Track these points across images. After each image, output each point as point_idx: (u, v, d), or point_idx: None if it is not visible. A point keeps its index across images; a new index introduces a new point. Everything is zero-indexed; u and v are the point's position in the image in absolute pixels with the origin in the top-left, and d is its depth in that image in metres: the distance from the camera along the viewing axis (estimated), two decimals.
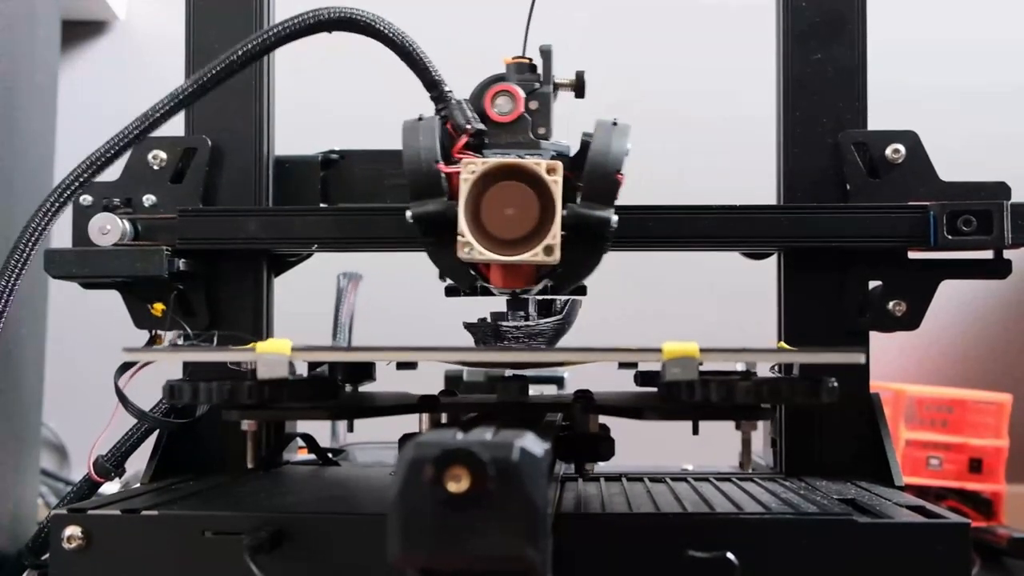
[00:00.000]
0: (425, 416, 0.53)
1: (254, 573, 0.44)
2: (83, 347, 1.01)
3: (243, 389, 0.46)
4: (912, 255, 0.63)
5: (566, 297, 0.60)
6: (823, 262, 0.63)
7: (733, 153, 1.12)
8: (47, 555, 0.50)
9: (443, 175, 0.53)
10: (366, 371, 0.63)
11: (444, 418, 0.53)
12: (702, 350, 0.45)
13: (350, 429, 0.61)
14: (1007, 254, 0.62)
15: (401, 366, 0.63)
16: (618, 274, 0.55)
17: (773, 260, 0.66)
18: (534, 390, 0.62)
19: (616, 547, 0.47)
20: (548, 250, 0.52)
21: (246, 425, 0.50)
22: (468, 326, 0.61)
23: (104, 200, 0.64)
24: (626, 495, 0.55)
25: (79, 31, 1.29)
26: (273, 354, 0.46)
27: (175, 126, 0.63)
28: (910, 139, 0.63)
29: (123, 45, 1.32)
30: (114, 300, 0.65)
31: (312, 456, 0.71)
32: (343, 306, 0.74)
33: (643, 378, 0.57)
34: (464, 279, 0.55)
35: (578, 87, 0.59)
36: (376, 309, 0.80)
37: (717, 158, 1.19)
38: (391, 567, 0.35)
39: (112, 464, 0.61)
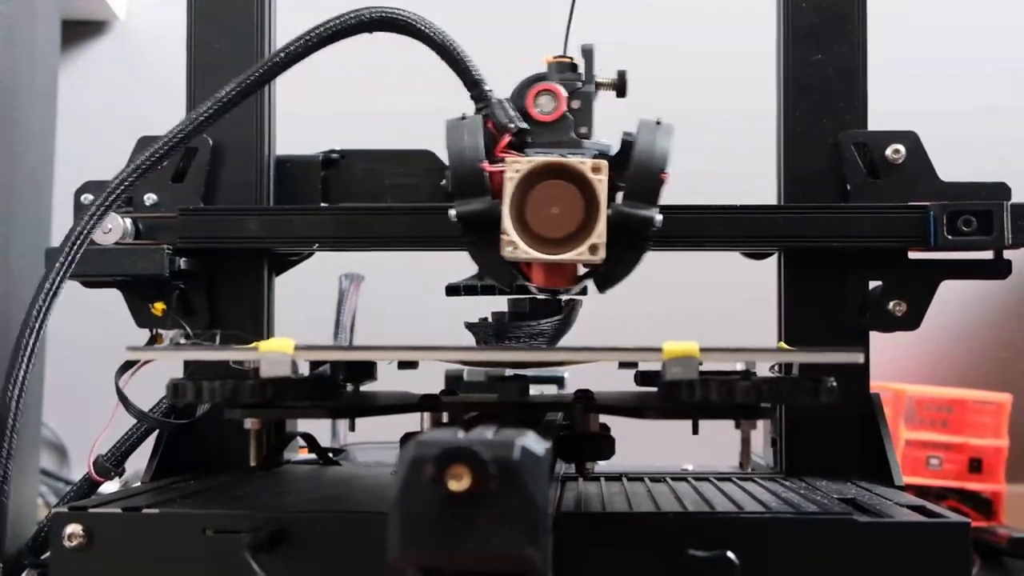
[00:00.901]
0: (426, 415, 0.53)
1: (254, 572, 0.44)
2: (83, 347, 1.01)
3: (246, 388, 0.46)
4: (912, 255, 0.63)
5: (566, 297, 0.60)
6: (823, 262, 0.63)
7: (733, 153, 1.12)
8: (47, 554, 0.50)
9: (486, 174, 0.53)
10: (367, 370, 0.63)
11: (445, 417, 0.53)
12: (702, 350, 0.45)
13: (352, 428, 0.61)
14: (1007, 254, 0.62)
15: (402, 365, 0.63)
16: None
17: (773, 260, 0.66)
18: (534, 390, 0.62)
19: (616, 547, 0.47)
20: (593, 249, 0.52)
21: (249, 424, 0.50)
22: (469, 326, 0.61)
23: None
24: (626, 494, 0.55)
25: (79, 31, 1.29)
26: (276, 353, 0.46)
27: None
28: (910, 139, 0.63)
29: (123, 45, 1.32)
30: (114, 299, 0.65)
31: (313, 455, 0.71)
32: (345, 307, 0.74)
33: (643, 378, 0.57)
34: (506, 278, 0.55)
35: (619, 86, 0.58)
36: (376, 309, 0.80)
37: (717, 158, 1.19)
38: (391, 566, 0.35)
39: (112, 464, 0.61)
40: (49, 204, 0.83)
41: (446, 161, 0.67)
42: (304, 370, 0.57)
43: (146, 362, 0.56)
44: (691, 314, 1.17)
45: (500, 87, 0.57)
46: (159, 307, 0.64)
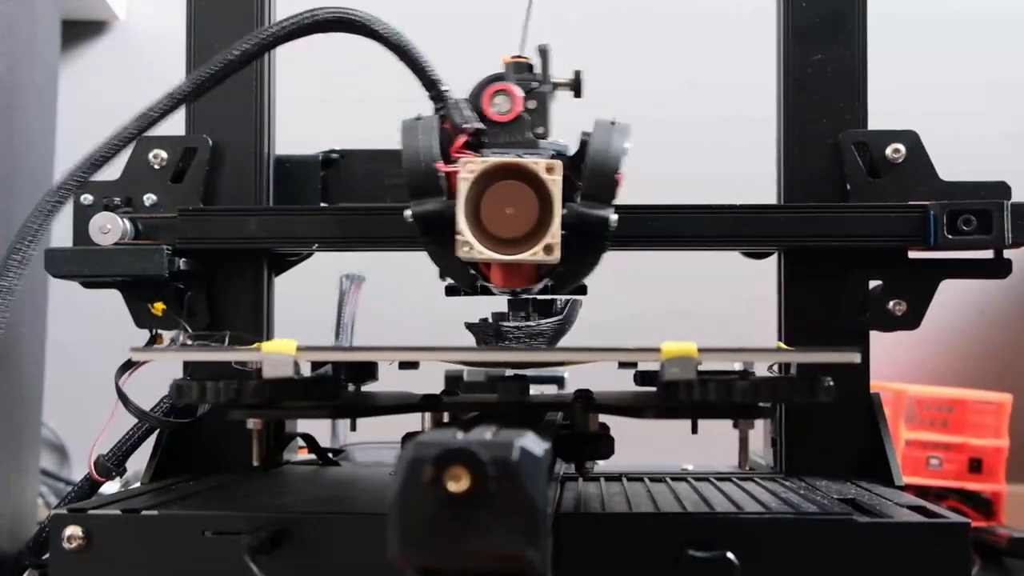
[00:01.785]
0: (427, 415, 0.53)
1: (254, 573, 0.44)
2: (83, 347, 1.01)
3: (249, 388, 0.46)
4: (912, 254, 0.63)
5: (566, 297, 0.60)
6: (823, 261, 0.63)
7: (733, 153, 1.12)
8: (47, 555, 0.50)
9: (441, 174, 0.53)
10: (369, 371, 0.63)
11: (446, 417, 0.53)
12: (700, 350, 0.45)
13: (353, 428, 0.61)
14: (1007, 254, 0.62)
15: (403, 366, 0.63)
16: (618, 274, 0.55)
17: (773, 260, 0.66)
18: (534, 390, 0.62)
19: (616, 547, 0.47)
20: (548, 249, 0.52)
21: (252, 424, 0.50)
22: (469, 326, 0.61)
23: (104, 199, 0.64)
24: (626, 495, 0.55)
25: (79, 31, 1.29)
26: (278, 354, 0.46)
27: (176, 125, 0.63)
28: (910, 139, 0.63)
29: (123, 45, 1.32)
30: (114, 299, 0.65)
31: (312, 456, 0.71)
32: (345, 307, 0.74)
33: (642, 378, 0.57)
34: (464, 278, 0.55)
35: (576, 86, 0.59)
36: (377, 309, 0.80)
37: (717, 158, 1.19)
38: (391, 567, 0.35)
39: (113, 463, 0.61)
40: None
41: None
42: (306, 371, 0.57)
43: (145, 362, 0.56)
44: (691, 314, 1.17)
45: (461, 88, 0.58)
46: (159, 307, 0.64)
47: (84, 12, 1.27)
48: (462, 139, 0.55)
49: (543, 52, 0.57)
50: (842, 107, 0.65)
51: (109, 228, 0.62)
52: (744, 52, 0.97)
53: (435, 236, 0.54)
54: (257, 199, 0.66)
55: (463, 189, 0.52)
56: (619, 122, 0.54)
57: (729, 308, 1.15)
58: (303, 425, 0.71)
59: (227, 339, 0.63)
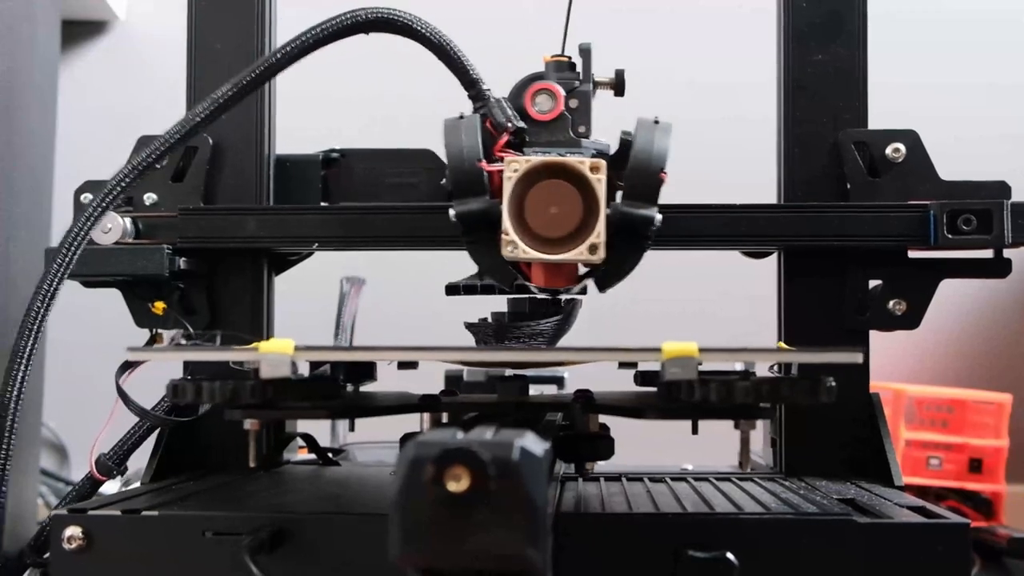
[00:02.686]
0: (426, 415, 0.53)
1: (254, 573, 0.44)
2: (83, 347, 1.01)
3: (246, 388, 0.45)
4: (912, 254, 0.63)
5: (566, 297, 0.60)
6: (823, 261, 0.63)
7: (733, 152, 1.13)
8: (48, 554, 0.50)
9: (485, 173, 0.53)
10: (367, 371, 0.63)
11: (445, 417, 0.53)
12: (701, 350, 0.45)
13: (351, 428, 0.61)
14: (1007, 253, 0.62)
15: (402, 366, 0.63)
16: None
17: (773, 259, 0.66)
18: (534, 390, 0.62)
19: (616, 547, 0.47)
20: (593, 248, 0.52)
21: (249, 424, 0.50)
22: (469, 326, 0.61)
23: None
24: (626, 495, 0.55)
25: (79, 31, 1.29)
26: (276, 354, 0.46)
27: None
28: (910, 138, 0.63)
29: (123, 45, 1.32)
30: (114, 299, 0.65)
31: (312, 456, 0.71)
32: (345, 309, 0.74)
33: (643, 378, 0.57)
34: (505, 278, 0.55)
35: (617, 85, 0.58)
36: (376, 309, 0.80)
37: (717, 157, 1.19)
38: (391, 567, 0.35)
39: (114, 462, 0.61)
40: (49, 204, 0.84)
41: (446, 160, 0.68)
42: (305, 371, 0.57)
43: (144, 361, 0.56)
44: (691, 314, 1.17)
45: (497, 88, 0.57)
46: (159, 306, 0.64)
47: (84, 12, 1.27)
48: (504, 138, 0.54)
49: (584, 51, 0.57)
50: (842, 107, 0.65)
51: (110, 227, 0.62)
52: (744, 52, 0.97)
53: (478, 236, 0.54)
54: (257, 198, 0.66)
55: (508, 188, 0.52)
56: (662, 121, 0.54)
57: (730, 308, 1.15)
58: (303, 425, 0.71)
59: (219, 338, 0.63)
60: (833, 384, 0.45)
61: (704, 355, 0.45)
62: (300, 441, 0.71)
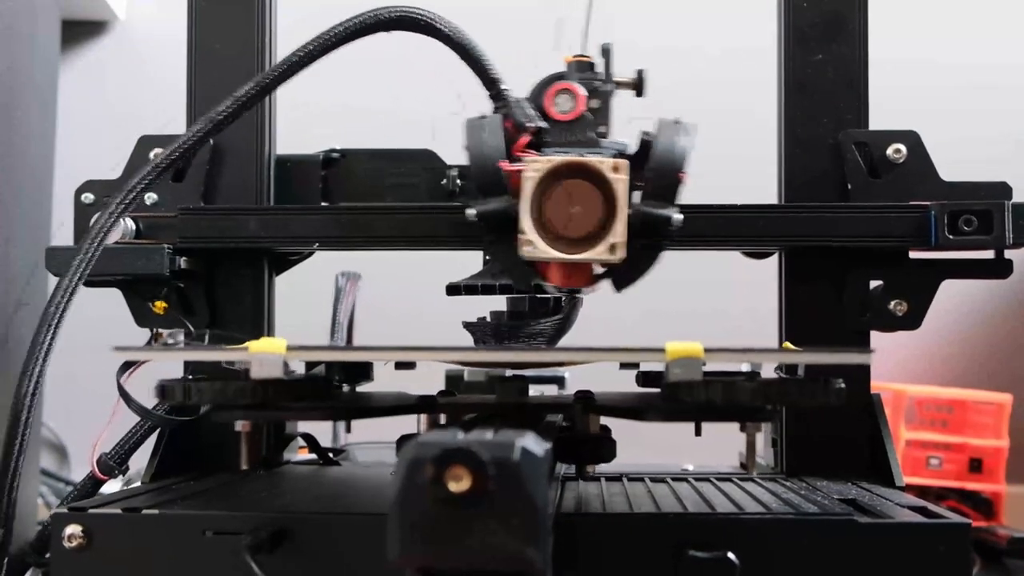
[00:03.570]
0: (423, 417, 0.53)
1: (254, 573, 0.44)
2: (83, 347, 1.01)
3: (237, 389, 0.45)
4: (913, 255, 0.63)
5: (567, 296, 0.60)
6: (824, 261, 0.63)
7: (733, 152, 1.12)
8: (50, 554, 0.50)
9: (505, 173, 0.53)
10: (364, 371, 0.63)
11: (442, 419, 0.53)
12: (706, 350, 0.44)
13: (348, 430, 0.61)
14: (1008, 254, 0.62)
15: (399, 366, 0.63)
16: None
17: (774, 259, 0.66)
18: (535, 390, 0.62)
19: (616, 547, 0.47)
20: (613, 249, 0.52)
21: (240, 426, 0.49)
22: (467, 325, 0.61)
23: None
24: (627, 495, 0.55)
25: (79, 31, 1.29)
26: (267, 353, 0.45)
27: (177, 125, 0.63)
28: (911, 139, 0.63)
29: (123, 45, 1.32)
30: (114, 299, 0.65)
31: (313, 456, 0.71)
32: (341, 305, 0.74)
33: (645, 378, 0.57)
34: (524, 278, 0.55)
35: (638, 86, 0.58)
36: (376, 308, 0.80)
37: (717, 157, 1.19)
38: (391, 567, 0.35)
39: (116, 462, 0.61)
40: (49, 204, 0.83)
41: (448, 161, 0.68)
42: (301, 370, 0.57)
43: (144, 361, 0.56)
44: (690, 314, 1.17)
45: (515, 88, 0.57)
46: (160, 306, 0.64)
47: (84, 12, 1.27)
48: (525, 138, 0.54)
49: (605, 51, 0.57)
50: (842, 107, 0.65)
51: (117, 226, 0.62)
52: (744, 51, 0.97)
53: (497, 235, 0.54)
54: (258, 198, 0.66)
55: (528, 188, 0.52)
56: (683, 121, 0.54)
57: (729, 308, 1.15)
58: (304, 425, 0.71)
59: (207, 338, 0.63)
60: (842, 386, 0.44)
61: (709, 356, 0.44)
62: (300, 441, 0.71)
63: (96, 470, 0.61)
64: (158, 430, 0.63)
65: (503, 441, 0.35)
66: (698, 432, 0.51)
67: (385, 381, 0.64)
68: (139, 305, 0.65)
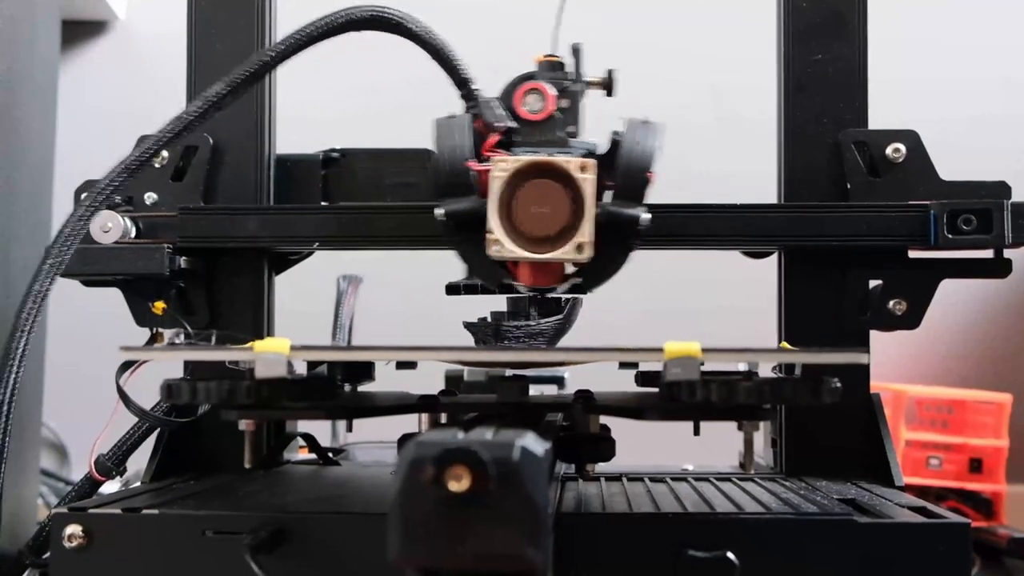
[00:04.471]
0: (424, 416, 0.53)
1: (254, 573, 0.44)
2: (83, 347, 1.01)
3: (242, 389, 0.45)
4: (912, 254, 0.63)
5: (567, 296, 0.60)
6: (823, 261, 0.63)
7: (733, 152, 1.13)
8: (48, 554, 0.50)
9: (473, 173, 0.53)
10: (365, 371, 0.63)
11: (444, 418, 0.53)
12: (704, 350, 0.44)
13: (349, 429, 0.61)
14: (1007, 253, 0.62)
15: (400, 366, 0.63)
16: (619, 273, 0.55)
17: (773, 259, 0.66)
18: (534, 390, 0.62)
19: (616, 547, 0.47)
20: (580, 248, 0.52)
21: (244, 425, 0.50)
22: (468, 325, 0.61)
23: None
24: (626, 495, 0.55)
25: (79, 31, 1.30)
26: (271, 353, 0.45)
27: None
28: (911, 138, 0.63)
29: (123, 45, 1.32)
30: (114, 299, 0.65)
31: (313, 455, 0.71)
32: (343, 308, 0.74)
33: (644, 378, 0.57)
34: (493, 277, 0.55)
35: (608, 85, 0.58)
36: (376, 308, 0.80)
37: (717, 157, 1.19)
38: (391, 567, 0.35)
39: (113, 463, 0.61)
40: (49, 204, 0.83)
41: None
42: (303, 371, 0.57)
43: (145, 361, 0.56)
44: (690, 313, 1.17)
45: (492, 87, 0.57)
46: (159, 306, 0.64)
47: (84, 12, 1.27)
48: (494, 138, 0.54)
49: (576, 51, 0.57)
50: (842, 107, 0.65)
51: (110, 227, 0.62)
52: (743, 51, 0.97)
53: (465, 235, 0.54)
54: (257, 198, 0.66)
55: (495, 187, 0.52)
56: (651, 121, 0.54)
57: (729, 307, 1.15)
58: (304, 425, 0.71)
59: (214, 338, 0.63)
60: (838, 385, 0.44)
61: (707, 355, 0.44)
62: (300, 441, 0.71)
63: (94, 471, 0.61)
64: (158, 431, 0.63)
65: (503, 441, 0.35)
66: (696, 431, 0.51)
67: (386, 381, 0.64)
68: (139, 305, 0.65)
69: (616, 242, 0.53)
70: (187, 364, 0.63)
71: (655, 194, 0.61)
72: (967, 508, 1.03)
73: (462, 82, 0.58)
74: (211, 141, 0.65)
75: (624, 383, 0.58)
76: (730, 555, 0.45)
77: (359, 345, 0.73)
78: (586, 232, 0.52)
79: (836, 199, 0.64)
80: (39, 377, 0.82)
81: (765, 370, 0.56)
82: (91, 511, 0.49)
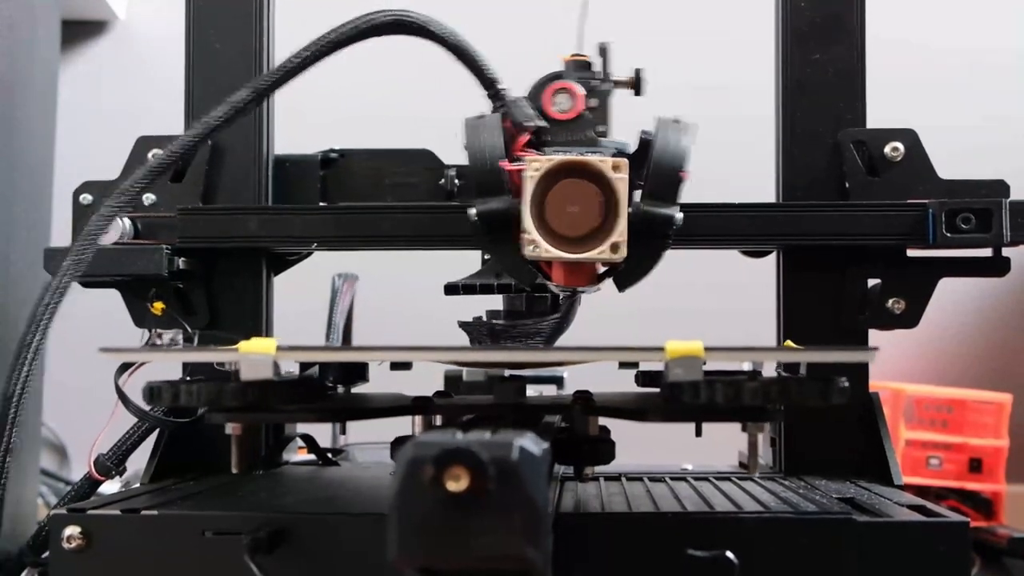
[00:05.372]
0: (418, 418, 0.53)
1: (254, 573, 0.44)
2: (83, 347, 1.01)
3: (227, 391, 0.44)
4: (911, 253, 0.63)
5: (563, 295, 0.60)
6: (822, 260, 0.63)
7: (732, 152, 1.12)
8: (47, 554, 0.50)
9: (506, 173, 0.53)
10: (359, 372, 0.63)
11: (437, 420, 0.52)
12: (707, 349, 0.44)
13: (342, 431, 0.60)
14: (1006, 252, 0.62)
15: (395, 366, 0.63)
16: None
17: (772, 258, 0.66)
18: (533, 390, 0.62)
19: (616, 547, 0.47)
20: (615, 248, 0.52)
21: (230, 428, 0.48)
22: (463, 325, 0.61)
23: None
24: (625, 495, 0.55)
25: (79, 31, 1.30)
26: (257, 354, 0.44)
27: (176, 125, 0.63)
28: (909, 137, 0.63)
29: (123, 45, 1.32)
30: (113, 299, 0.65)
31: (312, 456, 0.71)
32: (337, 306, 0.74)
33: (644, 378, 0.57)
34: (526, 277, 0.55)
35: (636, 84, 0.58)
36: (373, 309, 0.80)
37: (716, 157, 1.19)
38: (391, 567, 0.35)
39: (113, 463, 0.61)
40: (49, 204, 0.83)
41: (447, 161, 0.68)
42: (296, 372, 0.57)
43: (143, 362, 0.56)
44: (690, 312, 1.17)
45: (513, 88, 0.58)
46: (158, 307, 0.64)
47: (84, 12, 1.27)
48: (524, 138, 0.54)
49: (603, 50, 0.57)
50: (841, 107, 0.65)
51: (109, 228, 0.62)
52: (743, 51, 0.97)
53: (498, 235, 0.54)
54: (256, 198, 0.66)
55: (528, 187, 0.52)
56: (682, 120, 0.54)
57: (728, 307, 1.15)
58: (303, 426, 0.71)
59: (196, 338, 0.62)
60: (846, 385, 0.44)
61: (709, 355, 0.44)
62: (300, 441, 0.71)
63: (93, 471, 0.61)
64: (157, 431, 0.63)
65: (502, 441, 0.35)
66: (699, 433, 0.51)
67: (385, 382, 0.64)
68: (137, 305, 0.65)
69: (649, 242, 0.53)
70: (185, 365, 0.63)
71: None
72: (967, 508, 1.03)
73: (489, 83, 0.58)
74: (210, 142, 0.65)
75: (624, 383, 0.58)
76: (729, 554, 0.45)
77: (349, 346, 0.72)
78: (620, 231, 0.52)
79: (835, 198, 0.64)
80: (39, 377, 0.82)
81: (768, 370, 0.55)
82: (90, 512, 0.49)
